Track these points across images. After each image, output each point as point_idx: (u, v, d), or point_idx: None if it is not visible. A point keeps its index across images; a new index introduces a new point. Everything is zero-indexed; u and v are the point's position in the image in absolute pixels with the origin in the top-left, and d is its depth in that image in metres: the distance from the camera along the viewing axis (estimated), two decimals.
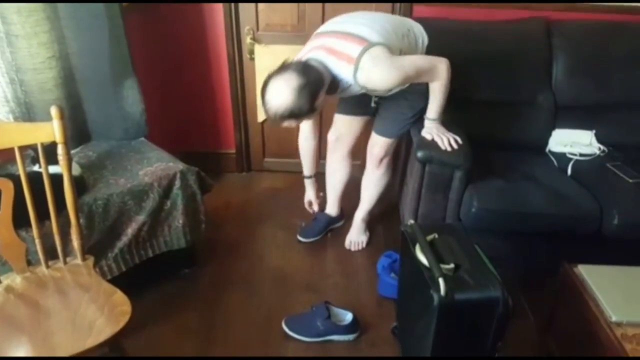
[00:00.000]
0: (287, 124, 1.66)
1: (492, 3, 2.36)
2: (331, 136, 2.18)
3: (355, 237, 2.32)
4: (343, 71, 1.64)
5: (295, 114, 1.58)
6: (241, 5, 2.51)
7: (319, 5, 2.49)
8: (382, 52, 1.61)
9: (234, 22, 2.54)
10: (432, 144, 1.86)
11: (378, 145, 2.03)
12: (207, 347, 1.74)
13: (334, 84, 1.69)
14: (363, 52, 1.59)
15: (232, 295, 1.99)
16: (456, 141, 1.84)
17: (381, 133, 2.02)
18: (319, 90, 1.61)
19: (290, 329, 1.79)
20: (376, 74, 1.61)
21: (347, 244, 2.32)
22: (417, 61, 1.71)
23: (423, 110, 1.94)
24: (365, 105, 2.00)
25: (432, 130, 1.88)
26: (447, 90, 1.80)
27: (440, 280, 1.23)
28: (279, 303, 1.95)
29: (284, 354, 1.72)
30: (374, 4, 2.43)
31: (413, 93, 1.88)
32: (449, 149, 1.82)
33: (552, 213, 1.82)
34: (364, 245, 2.32)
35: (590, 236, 1.85)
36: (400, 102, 1.93)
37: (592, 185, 1.94)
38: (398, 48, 1.70)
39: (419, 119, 1.96)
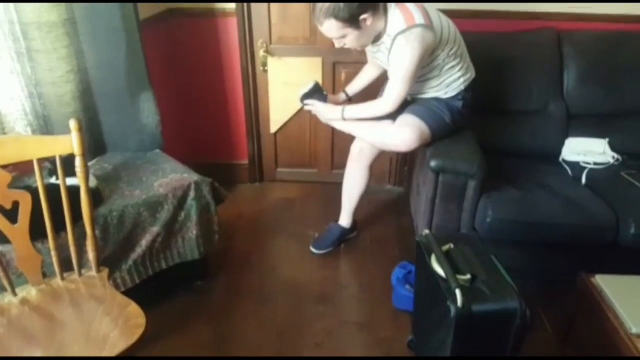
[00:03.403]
0: (326, 28, 1.76)
1: (502, 3, 2.38)
2: (355, 147, 2.17)
3: None
4: (394, 22, 1.74)
5: (335, 12, 1.68)
6: (254, 18, 2.55)
7: None
8: (430, 40, 1.72)
9: (247, 36, 2.57)
10: (446, 153, 1.85)
11: (409, 124, 1.90)
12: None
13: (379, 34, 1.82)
14: (424, 26, 1.70)
15: (245, 307, 1.98)
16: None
17: (413, 113, 1.94)
18: (369, 5, 1.70)
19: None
20: (408, 50, 1.72)
21: None
22: (405, 81, 1.81)
23: (458, 120, 1.97)
24: (393, 114, 1.99)
25: (331, 114, 2.05)
26: (370, 114, 1.96)
27: (457, 292, 1.21)
28: (292, 315, 1.94)
29: None
30: None
31: (452, 100, 1.97)
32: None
33: (568, 223, 1.80)
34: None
35: (608, 246, 1.83)
36: (434, 102, 1.97)
37: (608, 195, 1.92)
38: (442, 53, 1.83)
39: (454, 128, 1.99)
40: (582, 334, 1.61)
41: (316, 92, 2.13)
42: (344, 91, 2.24)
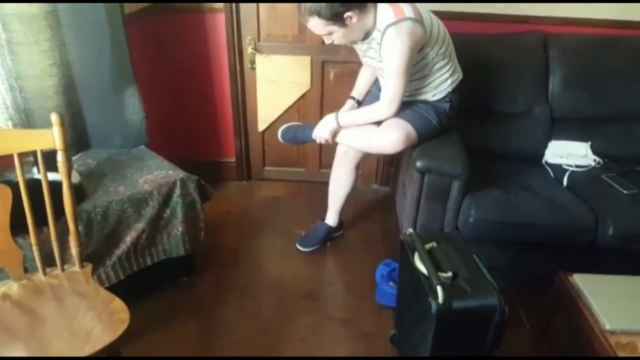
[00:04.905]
0: (312, 25, 1.76)
1: (492, 4, 2.41)
2: (340, 148, 2.18)
3: None
4: (383, 16, 1.74)
5: (318, 10, 1.69)
6: (243, 15, 2.54)
7: None
8: (419, 34, 1.72)
9: (235, 32, 2.56)
10: (431, 154, 1.87)
11: (395, 126, 1.89)
12: (206, 355, 1.73)
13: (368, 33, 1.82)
14: (414, 20, 1.70)
15: (231, 303, 1.98)
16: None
17: (400, 116, 1.91)
18: (354, 4, 1.70)
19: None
20: (398, 43, 1.71)
21: None
22: (400, 75, 1.78)
23: (444, 122, 1.98)
24: None
25: (327, 127, 2.02)
26: (369, 118, 1.93)
27: (439, 288, 1.24)
28: (277, 312, 1.95)
29: None
30: None
31: (439, 102, 1.97)
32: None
33: (548, 223, 1.84)
34: None
35: (586, 246, 1.86)
36: (421, 105, 1.97)
37: (588, 196, 1.96)
38: (434, 50, 1.83)
39: (440, 131, 1.99)
40: (558, 330, 1.64)
41: (297, 130, 2.17)
42: (352, 97, 2.17)
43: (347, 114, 2.02)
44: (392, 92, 1.82)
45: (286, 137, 2.17)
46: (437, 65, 1.89)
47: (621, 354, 1.27)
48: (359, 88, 2.18)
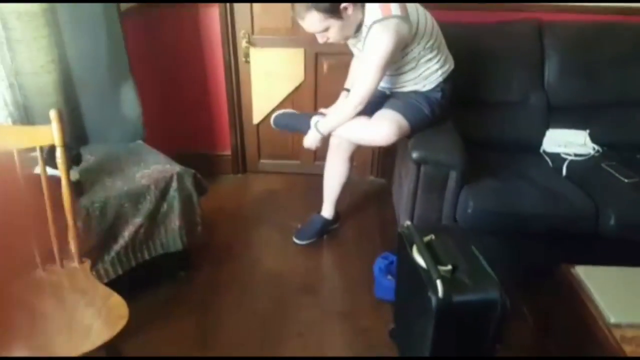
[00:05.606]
0: (308, 22, 1.75)
1: (485, 3, 2.40)
2: (334, 140, 2.17)
3: None
4: (371, 13, 1.75)
5: (316, 4, 1.68)
6: (237, 9, 2.53)
7: None
8: (404, 32, 1.73)
9: (229, 26, 2.55)
10: (427, 145, 1.86)
11: (387, 118, 1.91)
12: (204, 350, 1.74)
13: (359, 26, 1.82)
14: (400, 17, 1.71)
15: (228, 297, 1.98)
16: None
17: (391, 107, 1.94)
18: None
19: None
20: (382, 39, 1.72)
21: None
22: (378, 70, 1.79)
23: (437, 111, 1.97)
24: (372, 107, 1.98)
25: (313, 141, 2.06)
26: (346, 117, 1.93)
27: (438, 282, 1.23)
28: (275, 305, 1.95)
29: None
30: None
31: (431, 92, 1.96)
32: None
33: (548, 214, 1.82)
34: None
35: (587, 236, 1.85)
36: (413, 95, 1.97)
37: (588, 186, 1.94)
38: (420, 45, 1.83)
39: (434, 120, 1.98)
40: (561, 323, 1.63)
41: (290, 119, 2.16)
42: (345, 89, 2.16)
43: (326, 120, 2.02)
44: (365, 86, 1.84)
45: (279, 124, 2.18)
46: (425, 58, 1.88)
47: (627, 348, 1.22)
48: (352, 79, 2.16)
